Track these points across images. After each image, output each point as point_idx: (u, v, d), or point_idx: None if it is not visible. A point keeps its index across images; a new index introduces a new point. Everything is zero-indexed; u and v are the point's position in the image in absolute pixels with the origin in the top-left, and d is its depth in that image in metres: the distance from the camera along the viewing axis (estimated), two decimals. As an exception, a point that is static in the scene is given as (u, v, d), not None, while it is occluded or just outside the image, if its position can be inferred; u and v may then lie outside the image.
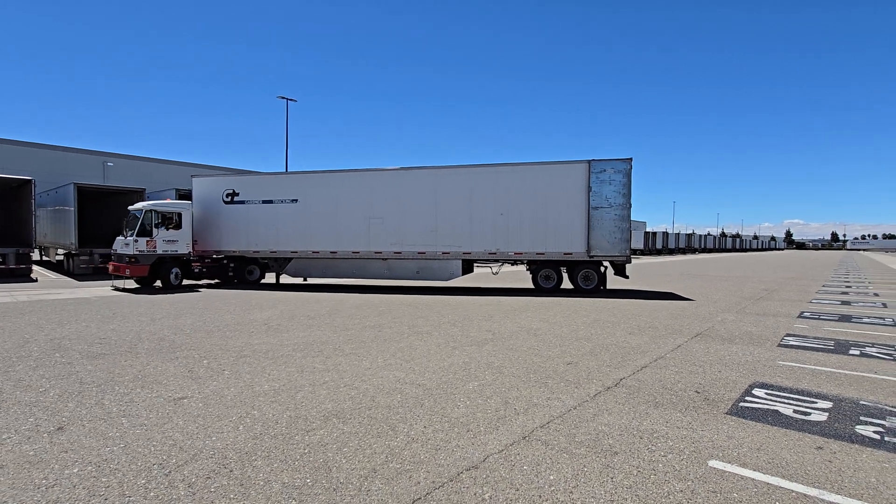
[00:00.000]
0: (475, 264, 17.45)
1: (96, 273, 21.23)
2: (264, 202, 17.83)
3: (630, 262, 15.42)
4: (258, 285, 17.96)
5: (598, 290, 15.45)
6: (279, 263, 18.23)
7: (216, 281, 18.76)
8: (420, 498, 3.07)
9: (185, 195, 23.82)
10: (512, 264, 16.84)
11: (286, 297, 13.82)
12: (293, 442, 3.88)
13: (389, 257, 16.70)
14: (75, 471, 3.38)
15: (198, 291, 15.72)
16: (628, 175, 14.55)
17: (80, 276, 20.66)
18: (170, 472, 3.37)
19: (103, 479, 3.26)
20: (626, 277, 15.93)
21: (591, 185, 14.76)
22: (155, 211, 16.53)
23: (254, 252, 18.12)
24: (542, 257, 15.48)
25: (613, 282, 16.56)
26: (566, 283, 15.87)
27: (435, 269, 16.49)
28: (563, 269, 15.77)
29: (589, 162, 14.81)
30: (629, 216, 14.70)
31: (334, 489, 3.16)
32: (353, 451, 3.73)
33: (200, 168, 48.02)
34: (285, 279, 18.82)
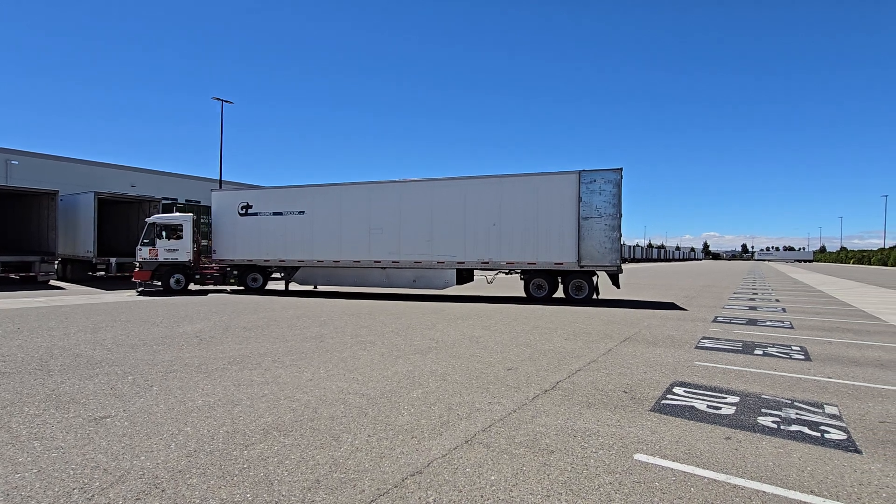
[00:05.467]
0: (474, 273, 17.83)
1: (-4, 283, 19.07)
2: (275, 214, 18.47)
3: (621, 272, 15.38)
4: (262, 291, 18.96)
5: (590, 299, 15.55)
6: (287, 272, 18.68)
7: (220, 287, 19.70)
8: (365, 505, 3.09)
9: (107, 199, 22.15)
10: (506, 273, 17.10)
11: (269, 303, 13.16)
12: (231, 457, 3.75)
13: (388, 266, 17.06)
14: (-21, 501, 3.07)
15: (199, 296, 15.24)
16: (618, 185, 14.61)
17: (-24, 286, 18.45)
18: (93, 496, 3.15)
19: (14, 508, 2.99)
20: (618, 287, 16.16)
21: (582, 196, 14.86)
22: (157, 223, 18.36)
23: (264, 261, 18.65)
24: (533, 267, 15.64)
25: (604, 291, 16.73)
26: (559, 293, 16.01)
27: (430, 278, 16.74)
28: (559, 278, 15.92)
29: (579, 172, 14.93)
30: (620, 226, 14.67)
31: (276, 502, 3.11)
32: (296, 463, 3.67)
33: (128, 171, 44.64)
34: (294, 286, 19.51)
